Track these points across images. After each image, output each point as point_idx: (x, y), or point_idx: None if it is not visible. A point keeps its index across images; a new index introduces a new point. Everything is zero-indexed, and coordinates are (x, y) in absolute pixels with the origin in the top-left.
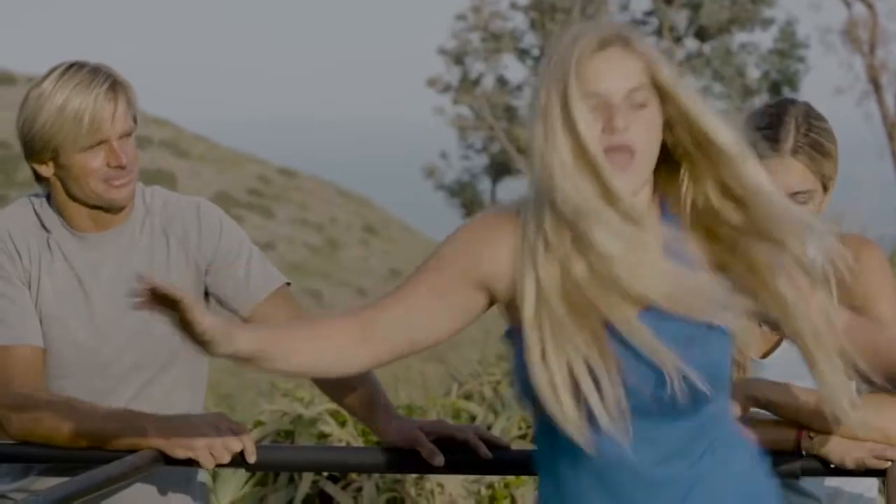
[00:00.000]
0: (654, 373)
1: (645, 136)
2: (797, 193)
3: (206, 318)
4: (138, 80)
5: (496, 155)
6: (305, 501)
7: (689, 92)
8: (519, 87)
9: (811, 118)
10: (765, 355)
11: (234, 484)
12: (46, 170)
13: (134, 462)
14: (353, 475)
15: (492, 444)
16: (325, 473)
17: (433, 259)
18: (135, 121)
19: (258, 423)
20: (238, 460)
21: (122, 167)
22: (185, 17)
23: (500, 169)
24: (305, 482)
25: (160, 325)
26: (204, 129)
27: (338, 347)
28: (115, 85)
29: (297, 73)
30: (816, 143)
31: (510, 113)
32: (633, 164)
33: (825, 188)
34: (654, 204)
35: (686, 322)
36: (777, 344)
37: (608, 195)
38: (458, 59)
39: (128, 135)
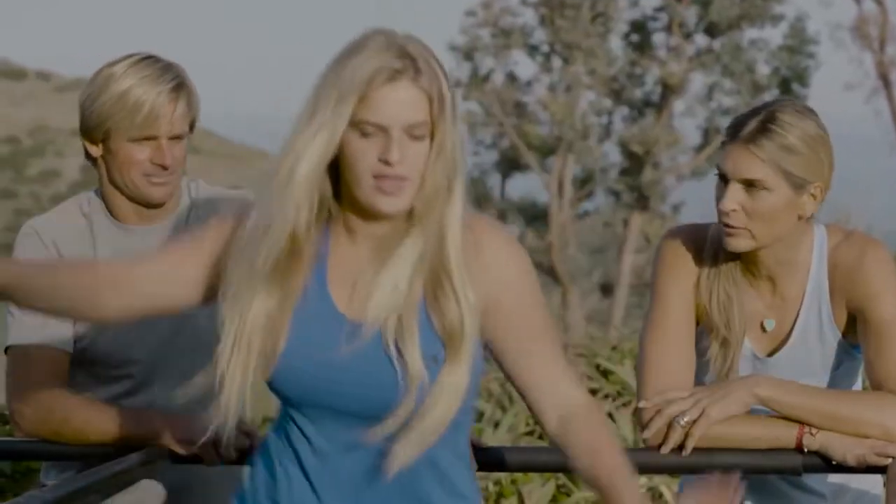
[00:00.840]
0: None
1: (418, 167)
2: (749, 181)
3: None
4: None
5: (506, 151)
6: None
7: (454, 135)
8: (529, 84)
9: (788, 115)
10: (770, 354)
11: None
12: (96, 150)
13: (140, 459)
14: None
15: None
16: None
17: (198, 231)
18: (192, 127)
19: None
20: (246, 458)
21: (164, 167)
22: (186, 16)
23: (509, 165)
24: None
25: (201, 319)
26: (207, 125)
27: (89, 295)
28: (181, 87)
29: (300, 72)
30: (777, 136)
31: (520, 109)
32: (404, 191)
33: (798, 187)
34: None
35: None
36: (783, 343)
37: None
38: (467, 55)
39: (180, 137)
